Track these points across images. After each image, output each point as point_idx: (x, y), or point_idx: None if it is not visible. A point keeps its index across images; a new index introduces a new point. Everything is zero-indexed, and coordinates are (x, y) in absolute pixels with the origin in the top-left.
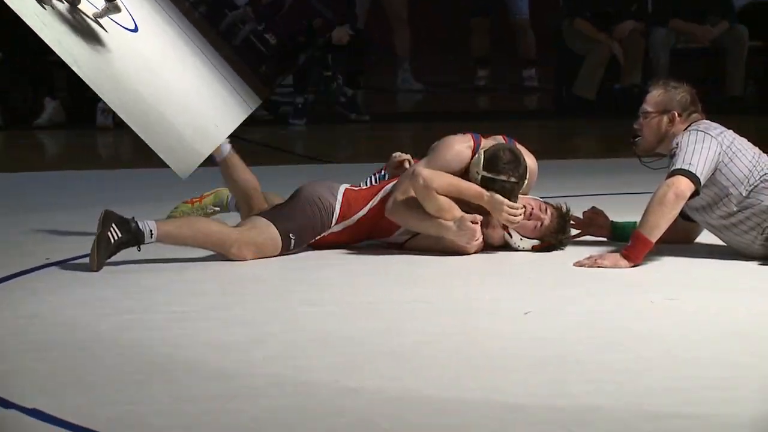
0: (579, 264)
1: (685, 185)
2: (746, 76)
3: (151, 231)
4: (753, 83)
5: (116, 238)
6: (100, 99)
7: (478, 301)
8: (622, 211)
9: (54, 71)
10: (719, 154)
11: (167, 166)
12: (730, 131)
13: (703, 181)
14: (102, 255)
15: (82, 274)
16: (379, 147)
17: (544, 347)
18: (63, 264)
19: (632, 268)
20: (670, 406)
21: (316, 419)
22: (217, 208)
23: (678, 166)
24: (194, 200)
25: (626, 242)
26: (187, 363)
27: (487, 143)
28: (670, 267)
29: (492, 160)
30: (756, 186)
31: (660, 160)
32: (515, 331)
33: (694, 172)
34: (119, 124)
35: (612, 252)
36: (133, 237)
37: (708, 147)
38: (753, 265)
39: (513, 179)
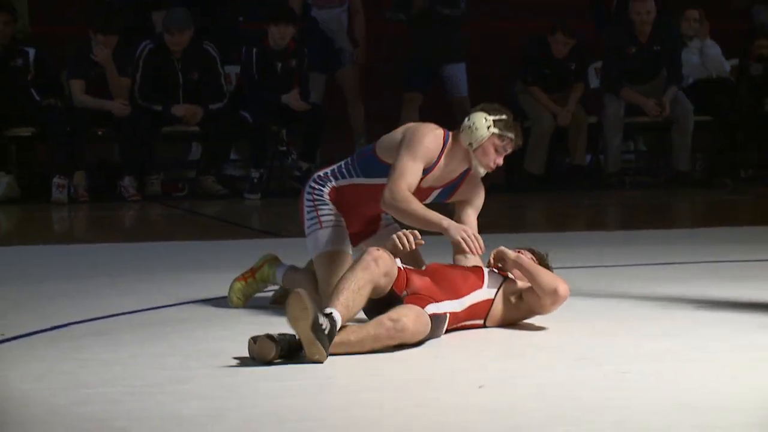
0: None
1: None
2: (693, 151)
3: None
4: (701, 158)
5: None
6: (56, 174)
7: (432, 374)
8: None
9: (8, 146)
10: None
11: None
12: None
13: None
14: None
15: (38, 348)
16: None
17: (495, 419)
18: (19, 339)
19: (585, 340)
20: None
21: None
22: (271, 285)
23: None
24: (246, 276)
25: None
26: None
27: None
28: (622, 340)
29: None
30: None
31: None
32: (467, 404)
33: None
34: (74, 200)
35: None
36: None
37: None
38: (703, 339)
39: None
